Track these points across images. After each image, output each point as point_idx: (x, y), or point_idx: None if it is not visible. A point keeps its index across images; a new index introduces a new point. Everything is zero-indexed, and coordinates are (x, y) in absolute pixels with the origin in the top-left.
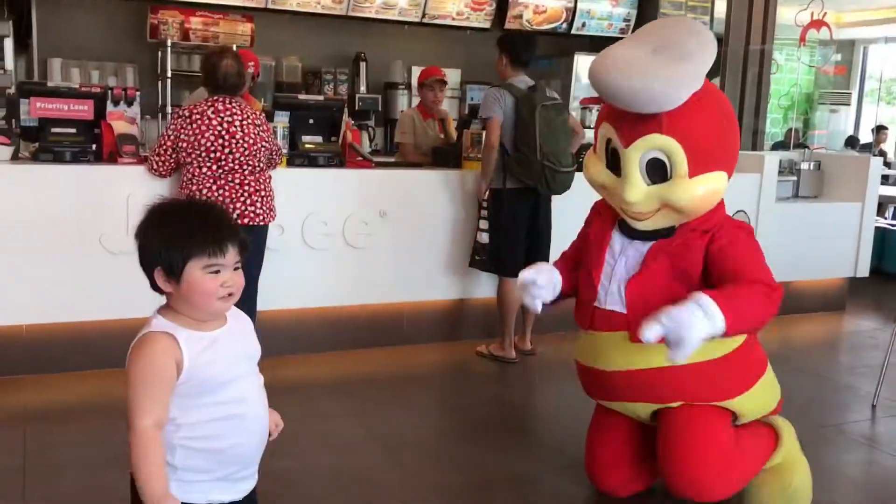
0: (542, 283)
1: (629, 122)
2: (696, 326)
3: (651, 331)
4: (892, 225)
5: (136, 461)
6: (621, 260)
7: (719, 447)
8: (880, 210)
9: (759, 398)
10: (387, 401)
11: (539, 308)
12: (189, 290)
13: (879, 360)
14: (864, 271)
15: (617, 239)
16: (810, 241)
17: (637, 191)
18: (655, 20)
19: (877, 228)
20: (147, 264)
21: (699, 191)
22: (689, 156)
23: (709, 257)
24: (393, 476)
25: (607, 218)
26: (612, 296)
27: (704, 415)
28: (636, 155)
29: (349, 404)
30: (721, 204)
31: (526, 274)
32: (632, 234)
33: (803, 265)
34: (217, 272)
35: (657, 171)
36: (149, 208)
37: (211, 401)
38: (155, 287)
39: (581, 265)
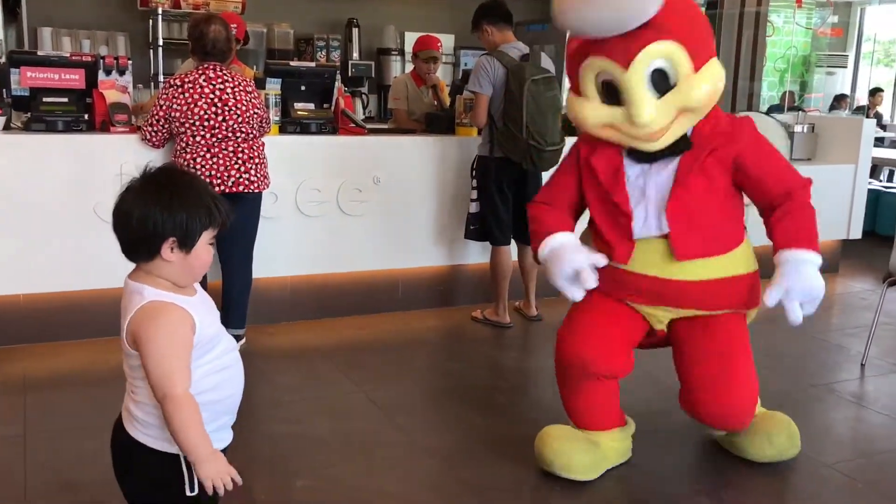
0: (587, 268)
1: (620, 44)
2: (818, 280)
3: (793, 313)
4: (886, 187)
5: (180, 427)
6: (650, 186)
7: (751, 362)
8: (874, 172)
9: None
10: (383, 366)
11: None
12: (193, 260)
13: (870, 321)
14: (857, 233)
15: (631, 168)
16: None
17: (649, 109)
18: None
19: (870, 191)
20: (157, 234)
21: (709, 83)
22: (689, 52)
23: (735, 163)
24: (390, 439)
25: (610, 153)
26: (648, 225)
27: (741, 328)
28: (640, 72)
29: (346, 370)
30: (717, 111)
31: (572, 267)
32: (648, 158)
33: None
34: (212, 244)
35: (661, 83)
36: (146, 181)
37: (211, 356)
38: (141, 256)
39: (589, 206)
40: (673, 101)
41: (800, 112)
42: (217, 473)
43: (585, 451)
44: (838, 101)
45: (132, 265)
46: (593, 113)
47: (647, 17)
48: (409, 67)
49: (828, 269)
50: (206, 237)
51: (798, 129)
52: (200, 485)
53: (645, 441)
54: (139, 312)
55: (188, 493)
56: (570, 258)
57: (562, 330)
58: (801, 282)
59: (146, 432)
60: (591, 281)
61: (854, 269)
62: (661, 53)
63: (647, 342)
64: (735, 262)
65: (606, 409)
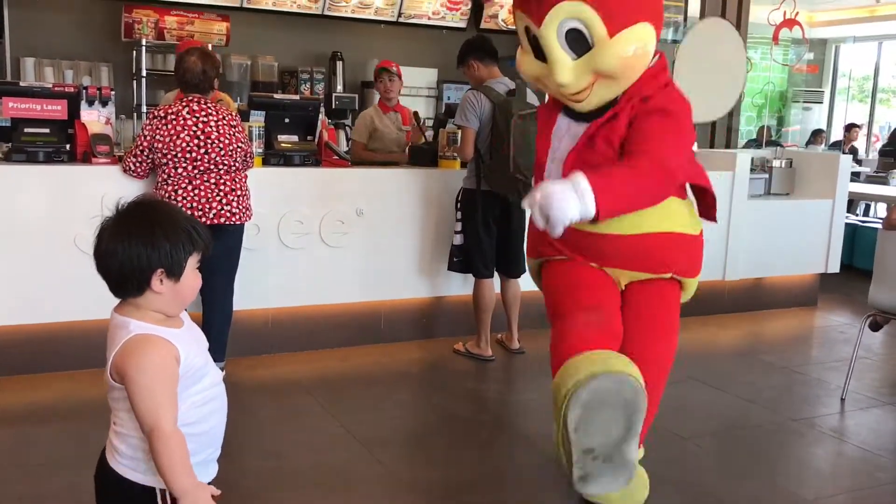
0: None
1: (535, 1)
2: (566, 206)
3: (526, 201)
4: (863, 221)
5: (167, 461)
6: (564, 141)
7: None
8: (851, 207)
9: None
10: (365, 399)
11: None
12: (182, 288)
13: (850, 355)
14: (834, 267)
15: (563, 123)
16: (782, 238)
17: (565, 69)
18: None
19: (848, 225)
20: (144, 268)
21: (626, 49)
22: (601, 14)
23: (629, 125)
24: (372, 473)
25: (555, 104)
26: (555, 177)
27: (676, 291)
28: (552, 30)
29: (327, 403)
30: (661, 69)
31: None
32: (579, 116)
33: (775, 261)
34: (198, 268)
35: (578, 44)
36: (123, 216)
37: (197, 388)
38: (131, 292)
39: None
40: (588, 64)
41: (778, 147)
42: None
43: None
44: (815, 136)
45: (112, 296)
46: (528, 66)
47: None
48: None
49: (806, 303)
50: (192, 262)
51: (776, 164)
52: None
53: None
54: (125, 346)
55: None
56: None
57: (545, 281)
58: (553, 193)
59: (126, 464)
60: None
61: (832, 303)
62: (570, 13)
63: None
64: (670, 218)
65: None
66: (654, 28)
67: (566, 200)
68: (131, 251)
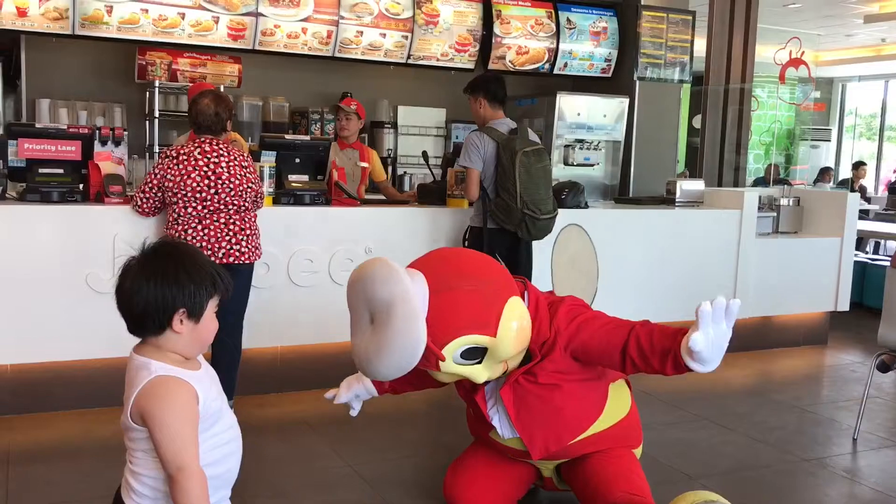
0: (352, 402)
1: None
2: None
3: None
4: (873, 259)
5: (194, 501)
6: (494, 390)
7: (640, 471)
8: (860, 245)
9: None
10: (373, 438)
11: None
12: (202, 330)
13: (861, 394)
14: (844, 305)
15: (490, 384)
16: (791, 276)
17: (480, 376)
18: (349, 283)
19: (857, 263)
20: (167, 307)
21: (511, 330)
22: (477, 331)
23: (575, 355)
24: None
25: None
26: (504, 425)
27: (629, 454)
28: (450, 367)
29: (335, 442)
30: (533, 304)
31: (339, 400)
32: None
33: (784, 300)
34: (218, 311)
35: (475, 352)
36: (148, 256)
37: (214, 431)
38: (151, 330)
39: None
40: (492, 361)
41: (785, 185)
42: None
43: None
44: (822, 174)
45: (124, 335)
46: (447, 378)
47: (420, 354)
48: (402, 140)
49: (816, 342)
50: (212, 306)
51: (784, 202)
52: None
53: None
54: (146, 387)
55: None
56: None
57: (451, 467)
58: (713, 352)
59: (141, 502)
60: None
61: (843, 342)
62: (455, 350)
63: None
64: (601, 422)
65: None
66: (515, 295)
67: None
68: (156, 290)
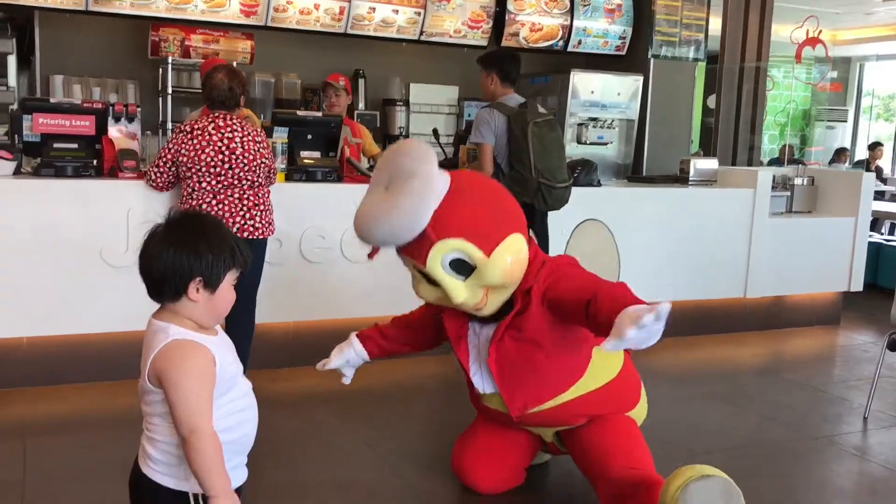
0: (343, 370)
1: (415, 246)
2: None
3: (611, 345)
4: (887, 240)
5: (205, 463)
6: (482, 346)
7: (640, 440)
8: (875, 226)
9: (643, 408)
10: (385, 413)
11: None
12: (217, 300)
13: (872, 374)
14: (858, 286)
15: (472, 329)
16: (804, 256)
17: (458, 291)
18: (384, 153)
19: (871, 244)
20: (184, 274)
21: (505, 261)
22: (475, 242)
23: (550, 307)
24: (391, 486)
25: (459, 313)
26: (485, 383)
27: (619, 417)
28: (436, 266)
29: (347, 416)
30: (534, 256)
31: (330, 366)
32: (483, 319)
33: (798, 279)
34: (235, 284)
35: (463, 267)
36: (172, 224)
37: (230, 397)
38: (168, 296)
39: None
40: (476, 282)
41: (799, 165)
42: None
43: None
44: (838, 154)
45: (138, 309)
46: (426, 292)
47: (418, 231)
48: (414, 118)
49: (829, 322)
50: (230, 278)
51: (798, 181)
52: None
53: None
54: (164, 350)
55: None
56: (332, 361)
57: (458, 440)
58: (640, 336)
59: (158, 469)
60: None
61: (856, 322)
62: (447, 249)
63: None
64: (585, 384)
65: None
66: (522, 233)
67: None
68: (175, 255)
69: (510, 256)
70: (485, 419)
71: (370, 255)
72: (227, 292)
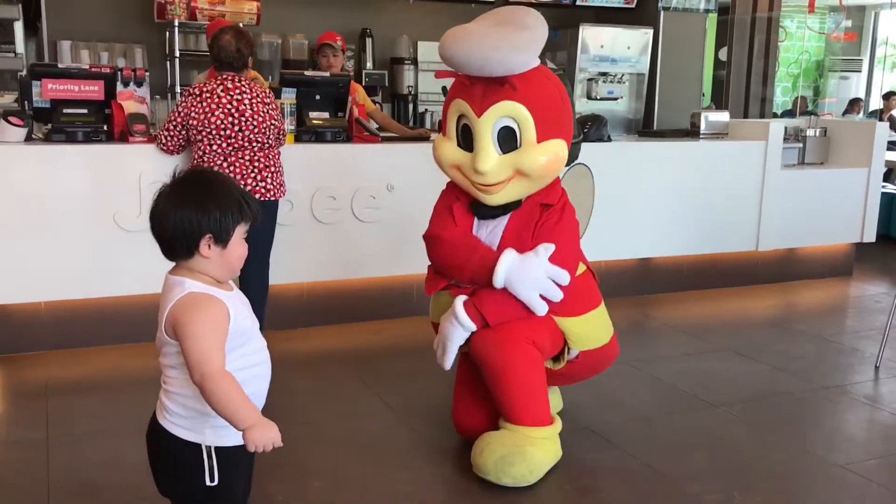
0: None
1: (481, 91)
2: (452, 335)
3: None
4: None
5: (224, 401)
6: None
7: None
8: (889, 177)
9: (588, 327)
10: (398, 370)
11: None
12: (229, 254)
13: (884, 324)
14: (870, 236)
15: (476, 224)
16: (816, 208)
17: (490, 159)
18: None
19: (885, 194)
20: (194, 232)
21: (546, 156)
22: (536, 122)
23: (535, 231)
24: (406, 440)
25: (465, 201)
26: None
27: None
28: (489, 123)
29: (360, 374)
30: (557, 179)
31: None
32: (482, 213)
33: (810, 231)
34: (246, 238)
35: (507, 142)
36: (178, 183)
37: (243, 351)
38: (181, 254)
39: None
40: (511, 161)
41: (812, 116)
42: (265, 440)
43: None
44: (852, 105)
45: (152, 272)
46: (448, 152)
47: (508, 70)
48: (423, 77)
49: (841, 273)
50: (240, 231)
51: (810, 132)
52: (220, 475)
53: (650, 446)
54: (179, 302)
55: (208, 483)
56: (538, 268)
57: (454, 394)
58: (443, 328)
59: (174, 421)
60: (563, 275)
61: (868, 273)
62: (510, 112)
63: None
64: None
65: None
66: (566, 143)
67: (452, 330)
68: (183, 215)
69: (552, 155)
70: (465, 364)
71: (440, 75)
72: (238, 246)
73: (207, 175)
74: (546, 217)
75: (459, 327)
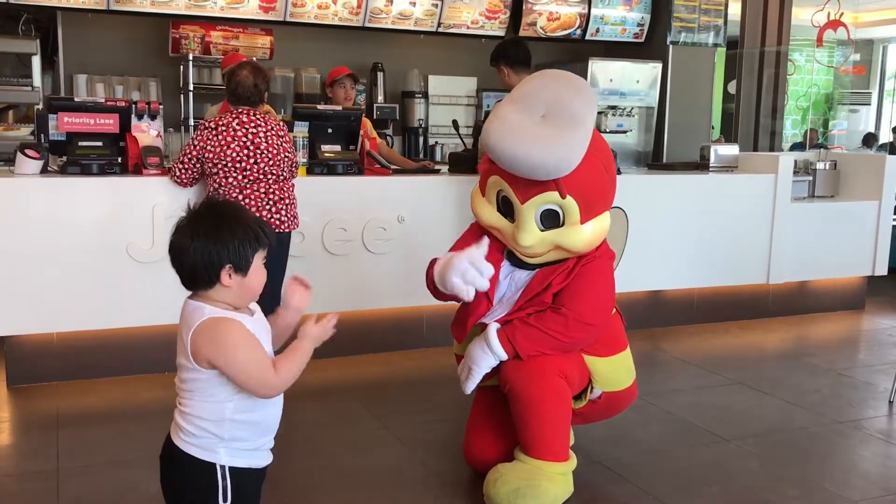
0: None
1: (524, 182)
2: (481, 361)
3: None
4: None
5: (292, 377)
6: (508, 284)
7: (558, 388)
8: None
9: (614, 368)
10: (408, 402)
11: (472, 294)
12: (250, 282)
13: None
14: (882, 269)
15: (505, 267)
16: (827, 241)
17: (532, 237)
18: (538, 75)
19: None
20: (214, 263)
21: (589, 234)
22: (581, 208)
23: (569, 275)
24: (416, 474)
25: (495, 247)
26: (495, 314)
27: (546, 365)
28: (532, 210)
29: (370, 406)
30: (604, 242)
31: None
32: (515, 263)
33: (821, 264)
34: (265, 263)
35: (550, 220)
36: (195, 215)
37: None
38: (202, 285)
39: None
40: (554, 238)
41: (821, 149)
42: (323, 335)
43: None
44: (866, 140)
45: (164, 304)
46: (487, 215)
47: (558, 174)
48: (433, 110)
49: (853, 307)
50: (259, 258)
51: (820, 165)
52: (233, 495)
53: (662, 481)
54: (200, 327)
55: (221, 503)
56: (459, 256)
57: (466, 426)
58: (472, 351)
59: (188, 441)
60: (485, 268)
61: (880, 306)
62: (554, 201)
63: None
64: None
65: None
66: (608, 215)
67: (481, 356)
68: (202, 247)
69: (597, 232)
70: (482, 395)
71: (483, 167)
72: (257, 273)
73: (222, 206)
74: (580, 265)
75: (490, 355)
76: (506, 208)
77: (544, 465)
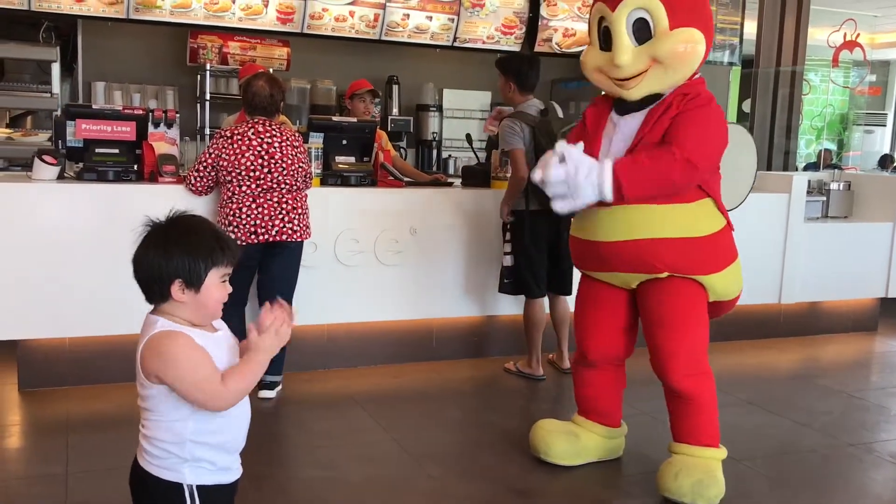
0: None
1: None
2: (586, 191)
3: (552, 170)
4: None
5: (243, 391)
6: (617, 137)
7: (697, 317)
8: None
9: (728, 280)
10: (417, 414)
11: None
12: (205, 298)
13: None
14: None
15: (612, 120)
16: (841, 262)
17: (627, 50)
18: None
19: None
20: (163, 277)
21: (681, 43)
22: (668, 10)
23: (675, 117)
24: (423, 487)
25: (604, 107)
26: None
27: (687, 286)
28: (623, 15)
29: (380, 418)
30: (702, 80)
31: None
32: (621, 109)
33: (833, 285)
34: (224, 282)
35: (642, 33)
36: (152, 228)
37: None
38: (156, 298)
39: None
40: (647, 51)
41: (836, 170)
42: (274, 349)
43: (566, 441)
44: (883, 161)
45: None
46: (591, 57)
47: None
48: (447, 123)
49: (866, 328)
50: (215, 276)
51: (834, 186)
52: None
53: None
54: (148, 342)
55: None
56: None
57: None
58: (578, 179)
59: (152, 462)
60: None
61: (893, 328)
62: (642, 3)
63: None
64: (660, 224)
65: (601, 401)
66: (705, 37)
67: (588, 187)
68: (150, 260)
69: (687, 43)
70: (582, 267)
71: None
72: (212, 290)
73: (179, 220)
74: (687, 104)
75: (596, 190)
76: (605, 41)
77: (717, 454)
